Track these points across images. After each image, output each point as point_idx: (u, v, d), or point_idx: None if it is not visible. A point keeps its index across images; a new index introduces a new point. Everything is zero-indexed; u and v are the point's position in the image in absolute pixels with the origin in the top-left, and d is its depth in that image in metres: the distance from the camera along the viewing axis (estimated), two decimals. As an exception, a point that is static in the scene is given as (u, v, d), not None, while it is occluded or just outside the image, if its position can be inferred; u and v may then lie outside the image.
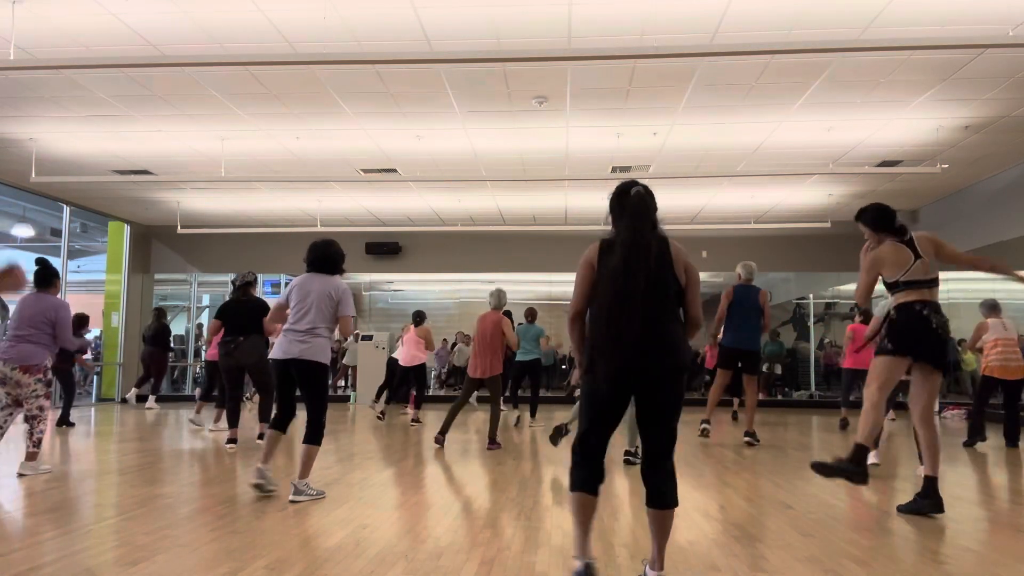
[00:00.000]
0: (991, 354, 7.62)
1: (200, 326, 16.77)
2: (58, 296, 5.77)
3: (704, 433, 7.67)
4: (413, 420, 9.50)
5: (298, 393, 4.77)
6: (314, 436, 4.64)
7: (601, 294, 2.79)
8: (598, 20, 5.91)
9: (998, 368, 7.55)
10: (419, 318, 9.81)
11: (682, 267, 2.85)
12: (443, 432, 7.19)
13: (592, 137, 8.85)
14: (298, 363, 4.62)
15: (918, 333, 4.24)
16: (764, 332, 7.67)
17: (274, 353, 4.70)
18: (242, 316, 7.24)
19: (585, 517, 2.81)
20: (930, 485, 4.26)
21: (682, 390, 2.80)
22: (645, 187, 2.90)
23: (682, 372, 2.77)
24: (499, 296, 7.49)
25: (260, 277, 8.24)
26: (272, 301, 7.52)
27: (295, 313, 4.70)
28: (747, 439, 7.46)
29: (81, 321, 9.51)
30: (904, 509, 4.34)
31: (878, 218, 4.51)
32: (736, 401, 10.86)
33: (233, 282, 7.59)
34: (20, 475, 5.43)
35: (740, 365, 7.63)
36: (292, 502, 4.52)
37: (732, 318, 7.57)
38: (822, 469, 4.22)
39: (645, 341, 2.71)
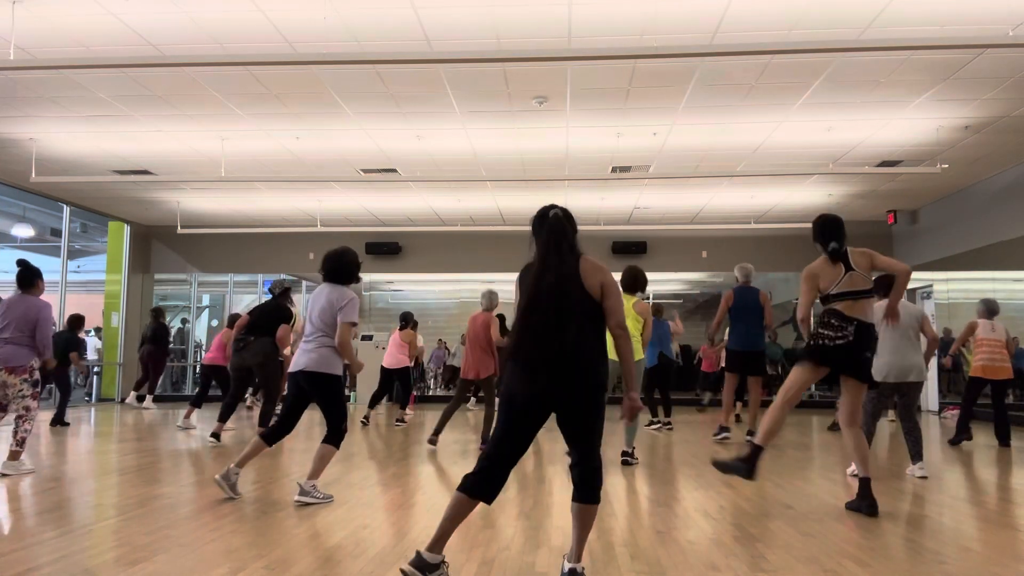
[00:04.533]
0: (977, 354, 7.68)
1: (185, 321, 16.71)
2: (41, 296, 5.76)
3: (724, 440, 7.65)
4: (397, 420, 9.49)
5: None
6: (333, 438, 4.58)
7: (521, 315, 2.92)
8: (598, 20, 5.91)
9: (982, 368, 7.63)
10: (404, 321, 9.77)
11: (596, 283, 2.93)
12: (436, 433, 7.18)
13: (592, 137, 8.85)
14: (306, 375, 4.58)
15: (838, 348, 4.35)
16: (768, 330, 7.70)
17: (290, 367, 4.71)
18: (262, 317, 7.31)
19: (459, 520, 2.86)
20: (864, 486, 4.39)
21: (599, 403, 2.87)
22: (563, 210, 3.03)
23: (598, 388, 2.85)
24: (490, 297, 7.49)
25: (261, 277, 8.25)
26: (270, 303, 7.58)
27: (306, 325, 4.71)
28: (748, 439, 7.48)
29: (77, 322, 9.52)
30: (849, 506, 4.49)
31: (817, 231, 4.58)
32: (739, 404, 10.79)
33: (271, 290, 7.62)
34: (2, 475, 5.43)
35: (743, 367, 7.67)
36: (298, 503, 4.45)
37: (736, 321, 7.59)
38: (719, 466, 4.50)
39: (558, 359, 2.81)
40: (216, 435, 7.29)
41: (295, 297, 7.70)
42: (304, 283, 17.69)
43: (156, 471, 5.72)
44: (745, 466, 4.37)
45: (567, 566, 2.89)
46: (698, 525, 3.98)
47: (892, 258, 4.61)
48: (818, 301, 4.52)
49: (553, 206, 3.04)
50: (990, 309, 7.80)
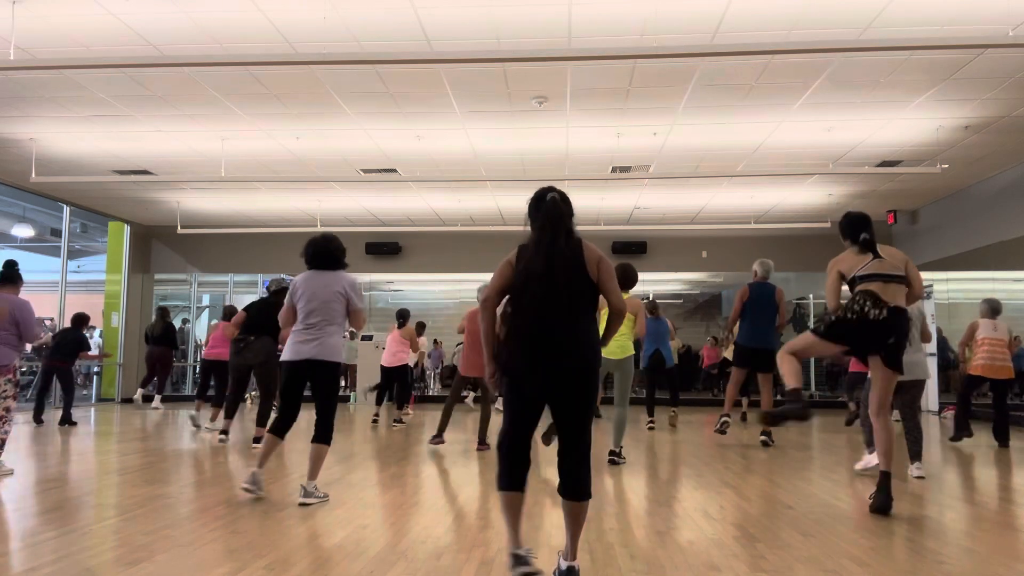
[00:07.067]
0: (978, 352, 7.69)
1: (185, 321, 16.71)
2: (19, 296, 5.64)
3: (723, 428, 7.53)
4: (395, 420, 9.47)
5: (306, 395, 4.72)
6: (324, 435, 4.56)
7: (514, 297, 2.89)
8: (598, 20, 5.91)
9: (983, 367, 7.63)
10: (402, 319, 9.78)
11: (595, 265, 2.93)
12: (440, 433, 7.17)
13: (592, 137, 8.85)
14: (312, 363, 4.51)
15: (852, 324, 4.26)
16: (779, 330, 7.65)
17: (285, 355, 4.59)
18: (260, 315, 7.30)
19: (515, 513, 2.89)
20: (884, 480, 4.31)
21: (594, 387, 2.87)
22: (561, 193, 2.99)
23: (593, 371, 2.86)
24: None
25: (261, 277, 8.26)
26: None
27: (303, 313, 4.58)
28: (763, 438, 7.44)
29: (82, 320, 9.57)
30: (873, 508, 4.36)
31: (844, 227, 4.60)
32: (745, 401, 10.73)
33: (268, 287, 7.61)
34: None
35: (752, 364, 7.62)
36: (302, 505, 4.42)
37: (749, 316, 7.53)
38: (770, 417, 4.50)
39: (558, 342, 2.80)
40: (226, 432, 7.28)
41: None
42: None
43: (157, 471, 5.71)
44: (794, 406, 4.21)
45: (564, 563, 2.86)
46: (698, 525, 3.98)
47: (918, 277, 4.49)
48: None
49: (551, 189, 3.00)
50: (993, 308, 7.80)
